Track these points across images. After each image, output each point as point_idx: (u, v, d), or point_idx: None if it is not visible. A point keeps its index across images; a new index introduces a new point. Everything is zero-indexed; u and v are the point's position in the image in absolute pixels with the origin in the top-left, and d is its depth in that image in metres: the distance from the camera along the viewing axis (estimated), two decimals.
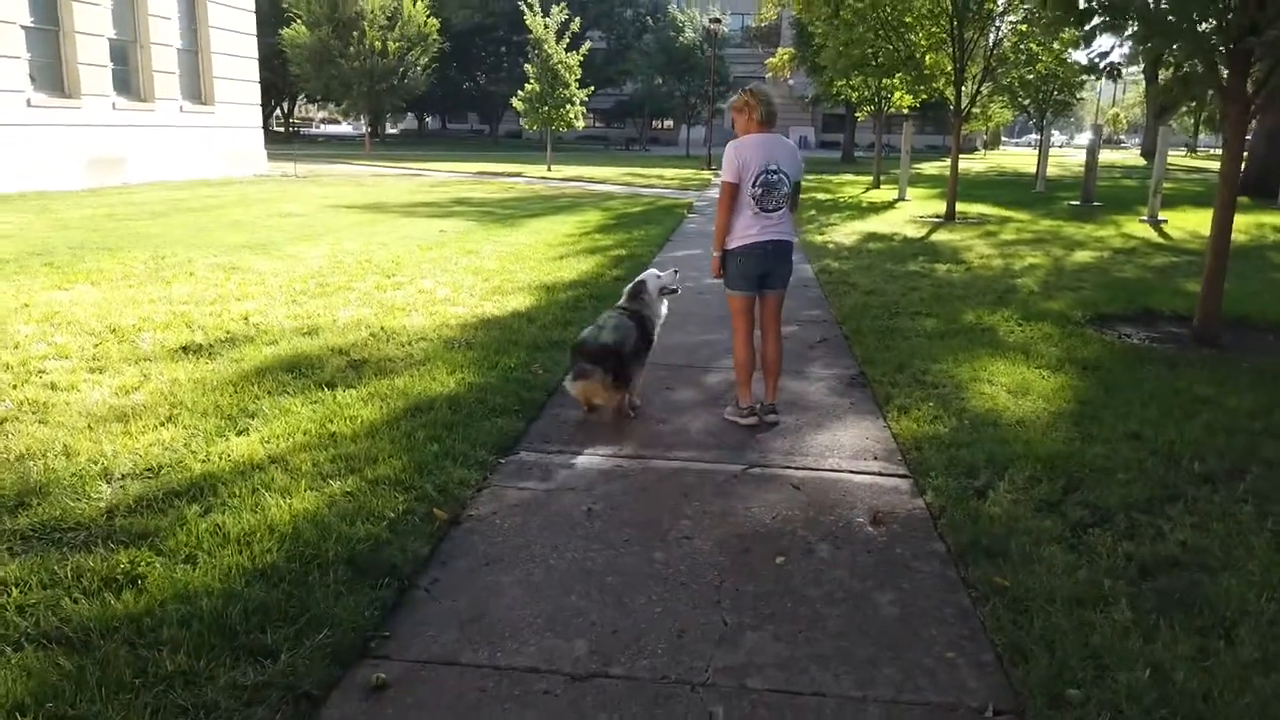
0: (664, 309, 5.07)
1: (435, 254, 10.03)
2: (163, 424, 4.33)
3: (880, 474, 4.13)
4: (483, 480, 3.92)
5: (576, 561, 3.25)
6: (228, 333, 6.14)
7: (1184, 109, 46.42)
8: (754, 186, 4.50)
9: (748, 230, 4.58)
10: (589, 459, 4.25)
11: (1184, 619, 2.86)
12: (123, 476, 3.72)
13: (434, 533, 3.38)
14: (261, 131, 24.68)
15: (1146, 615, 2.88)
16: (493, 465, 4.09)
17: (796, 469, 4.17)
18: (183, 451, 3.98)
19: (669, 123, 60.84)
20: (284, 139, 51.61)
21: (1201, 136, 67.74)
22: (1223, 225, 6.54)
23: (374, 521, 3.36)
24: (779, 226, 4.59)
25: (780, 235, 4.61)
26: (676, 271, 5.13)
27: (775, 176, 4.51)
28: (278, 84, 49.69)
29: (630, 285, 5.05)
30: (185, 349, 5.70)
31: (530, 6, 27.05)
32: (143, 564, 3.00)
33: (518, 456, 4.25)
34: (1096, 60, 7.44)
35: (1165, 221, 14.88)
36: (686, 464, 4.21)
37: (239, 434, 4.23)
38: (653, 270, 5.15)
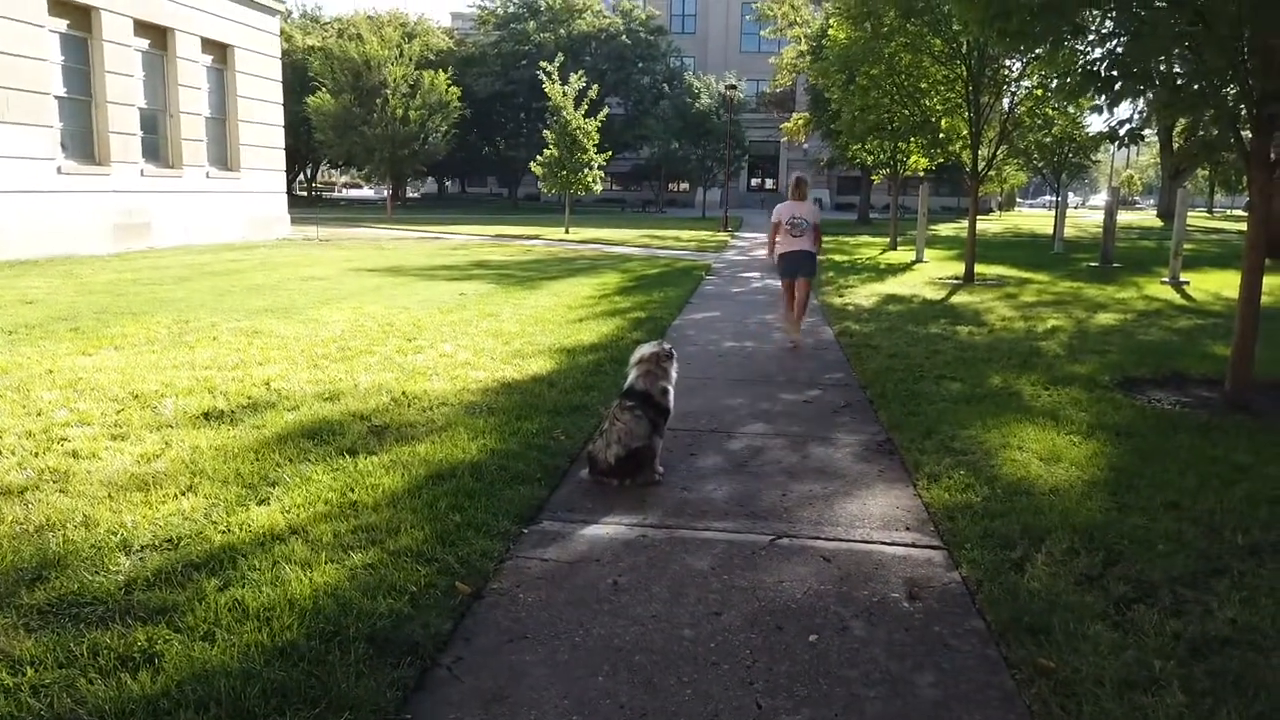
0: (673, 369, 5.09)
1: (455, 317, 10.07)
2: (183, 493, 4.28)
3: (913, 545, 4.03)
4: (505, 551, 3.84)
5: (603, 638, 3.15)
6: (249, 398, 6.13)
7: (1200, 170, 46.65)
8: (787, 224, 8.93)
9: (785, 244, 8.99)
10: (613, 529, 4.16)
11: (1240, 704, 2.73)
12: (142, 548, 3.66)
13: (456, 607, 3.30)
14: (285, 196, 25.12)
15: (1201, 699, 2.75)
16: (515, 535, 4.01)
17: (826, 540, 4.07)
18: (203, 522, 3.93)
19: (685, 185, 61.60)
20: (307, 203, 52.58)
21: (1217, 197, 67.98)
22: (1251, 290, 6.47)
23: (395, 596, 3.29)
24: (800, 241, 8.92)
25: (801, 247, 8.94)
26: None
27: (798, 220, 8.92)
28: (302, 149, 50.86)
29: (647, 364, 4.98)
30: (207, 415, 5.69)
31: (549, 75, 27.62)
32: (160, 641, 2.93)
33: (540, 526, 4.17)
34: (1116, 127, 7.46)
35: (1187, 283, 14.81)
36: (713, 534, 4.12)
37: (260, 503, 4.18)
38: (649, 344, 5.16)
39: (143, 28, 18.83)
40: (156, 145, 19.78)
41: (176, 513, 4.03)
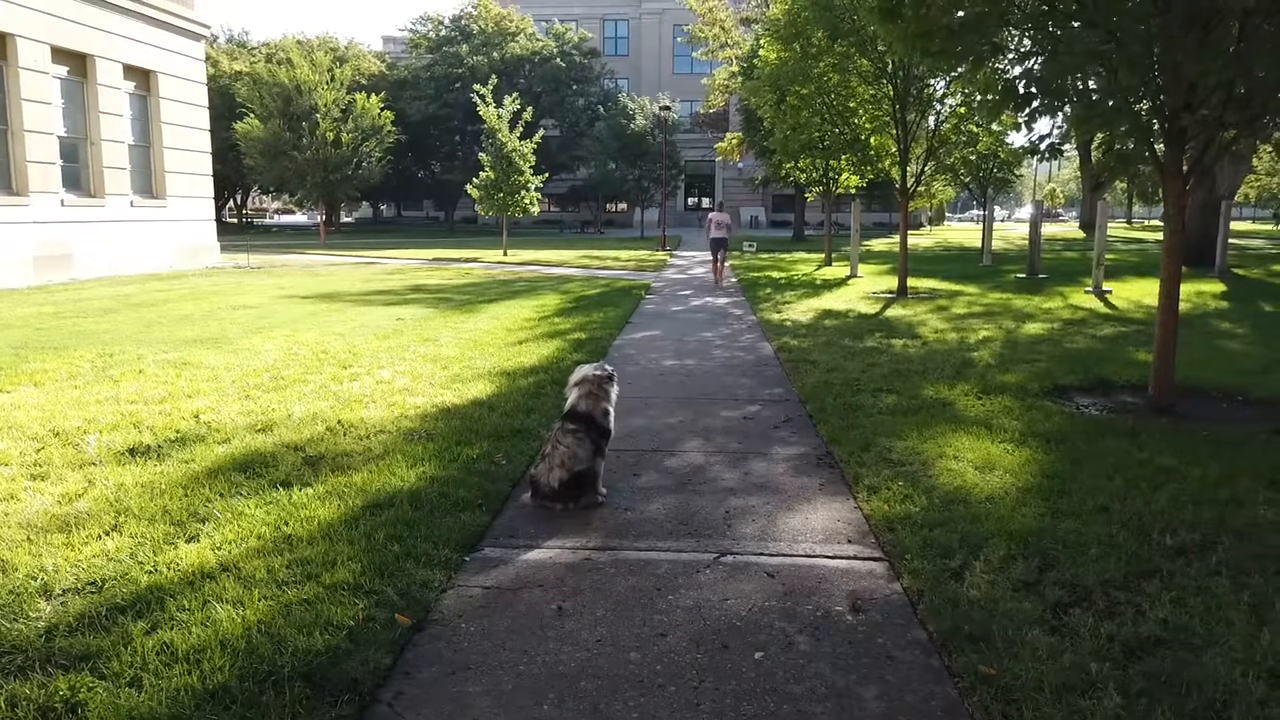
0: (614, 390, 5.04)
1: (392, 343, 9.92)
2: (107, 533, 4.12)
3: (855, 558, 4.06)
4: (447, 581, 3.77)
5: (548, 666, 3.11)
6: (178, 432, 5.95)
7: (1118, 183, 48.43)
8: (714, 224, 18.37)
9: (712, 233, 18.28)
10: (556, 552, 4.12)
11: (1174, 703, 2.80)
12: (64, 592, 3.51)
13: (396, 640, 3.22)
14: (214, 224, 24.56)
15: (1136, 700, 2.81)
16: (457, 564, 3.94)
17: (770, 555, 4.08)
18: (128, 563, 3.79)
19: (623, 206, 61.82)
20: (238, 230, 51.52)
21: (1136, 208, 70.59)
22: (1170, 298, 6.70)
23: (333, 631, 3.20)
24: (719, 231, 18.18)
25: (720, 235, 18.14)
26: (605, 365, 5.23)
27: (719, 221, 18.35)
28: (231, 176, 49.85)
29: (589, 385, 4.93)
30: (132, 451, 5.50)
31: (483, 98, 27.56)
32: (83, 690, 2.80)
33: (482, 553, 4.11)
34: (1036, 142, 7.69)
35: (1110, 292, 15.30)
36: (657, 554, 4.10)
37: (189, 541, 4.05)
38: (589, 366, 5.12)
39: (61, 54, 18.30)
40: (78, 174, 19.19)
41: (100, 554, 3.88)
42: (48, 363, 8.41)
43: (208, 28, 24.22)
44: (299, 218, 75.88)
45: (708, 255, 20.31)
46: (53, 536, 4.07)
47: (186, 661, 2.98)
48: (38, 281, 17.35)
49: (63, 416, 6.33)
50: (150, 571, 3.71)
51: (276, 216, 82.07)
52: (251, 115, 41.61)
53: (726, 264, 20.27)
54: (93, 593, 3.52)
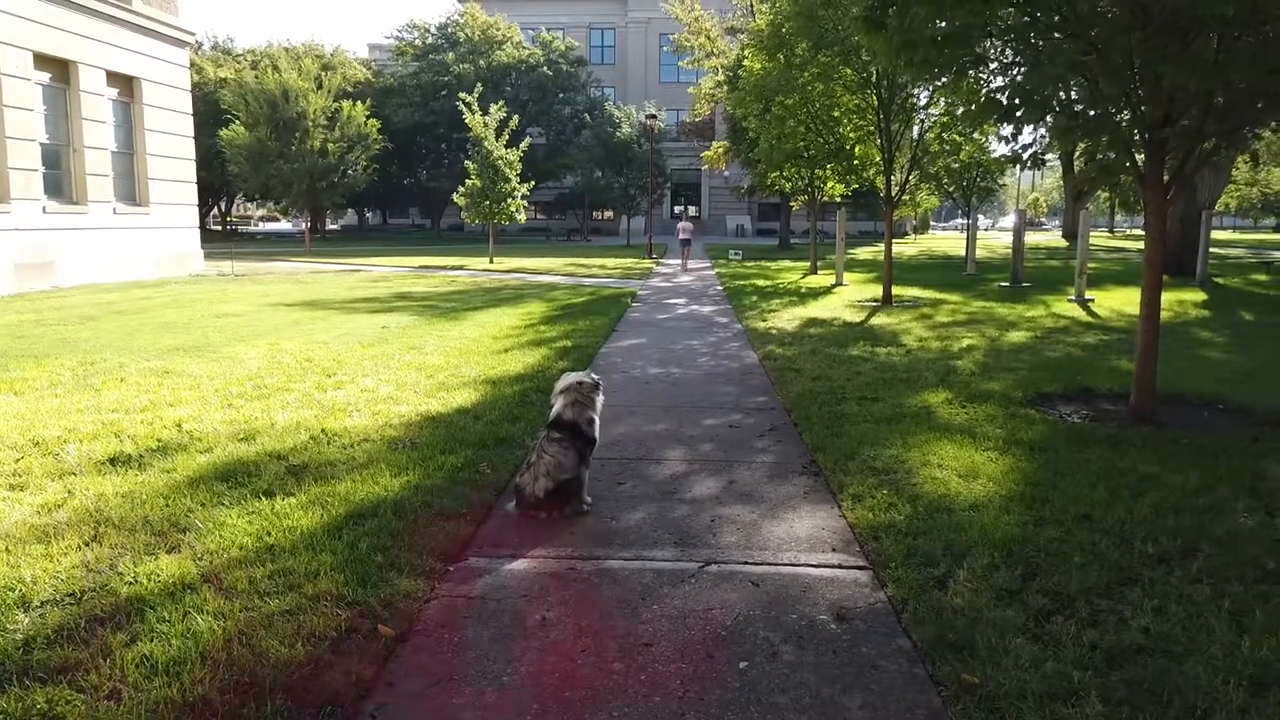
0: (600, 399, 5.03)
1: (377, 351, 9.89)
2: (87, 544, 4.08)
3: (839, 566, 4.06)
4: (430, 591, 3.75)
5: (532, 676, 3.09)
6: (159, 441, 5.90)
7: (1100, 192, 48.97)
8: (681, 229, 27.51)
9: (679, 235, 27.58)
10: (541, 562, 4.11)
11: (1156, 710, 2.81)
12: (42, 604, 3.48)
13: (379, 651, 3.20)
14: (198, 232, 24.45)
15: (1118, 708, 2.82)
16: (441, 573, 3.93)
17: (754, 564, 4.08)
18: (108, 573, 3.75)
19: (609, 214, 61.92)
20: (222, 237, 51.27)
21: (1118, 217, 71.25)
22: (1151, 307, 6.74)
23: (315, 643, 3.18)
24: (685, 236, 27.22)
25: (687, 236, 27.22)
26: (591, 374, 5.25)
27: (686, 226, 27.54)
28: (215, 183, 49.71)
29: (574, 394, 4.92)
30: (113, 460, 5.45)
31: (469, 106, 27.56)
32: (61, 703, 2.77)
33: (467, 563, 4.09)
34: (1019, 151, 7.76)
35: (1092, 300, 15.41)
36: (642, 563, 4.09)
37: (169, 551, 4.01)
38: (575, 374, 5.10)
39: (43, 61, 18.20)
40: (60, 181, 19.07)
41: (80, 565, 3.84)
42: (28, 371, 8.34)
43: (192, 34, 24.14)
44: (283, 225, 75.55)
45: (693, 263, 27.63)
46: (31, 547, 4.03)
47: (166, 674, 2.95)
48: (19, 289, 17.21)
49: (43, 425, 6.27)
50: (130, 583, 3.67)
51: (261, 224, 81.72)
52: (236, 122, 41.46)
53: (690, 258, 28.75)
54: (71, 604, 3.49)
